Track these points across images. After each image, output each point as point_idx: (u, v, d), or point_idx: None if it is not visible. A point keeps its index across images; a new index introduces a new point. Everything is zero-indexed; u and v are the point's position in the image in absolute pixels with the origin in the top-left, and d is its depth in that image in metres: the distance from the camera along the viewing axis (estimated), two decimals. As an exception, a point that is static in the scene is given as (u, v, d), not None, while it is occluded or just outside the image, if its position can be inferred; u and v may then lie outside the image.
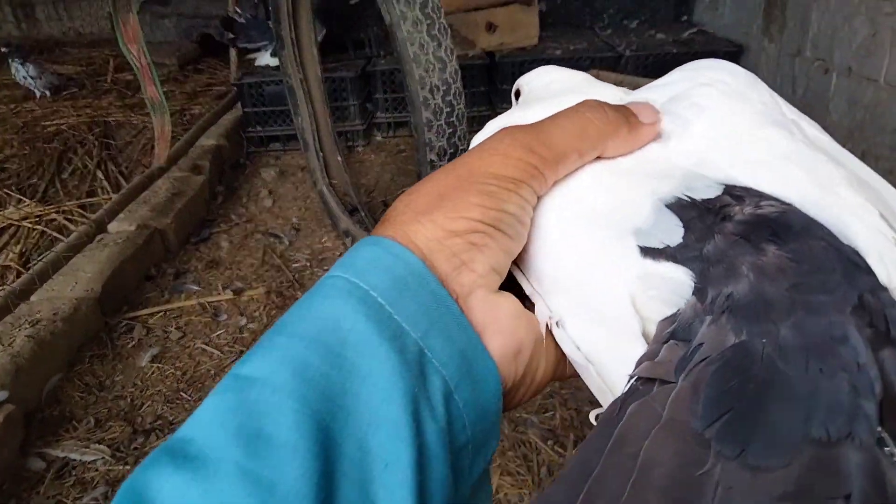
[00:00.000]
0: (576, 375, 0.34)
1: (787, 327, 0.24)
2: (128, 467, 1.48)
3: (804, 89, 2.87)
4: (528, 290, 0.35)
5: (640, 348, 0.28)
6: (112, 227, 2.21)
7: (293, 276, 2.19)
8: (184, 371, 1.79)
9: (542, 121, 0.35)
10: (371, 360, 0.27)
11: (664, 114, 0.37)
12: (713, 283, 0.27)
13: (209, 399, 0.26)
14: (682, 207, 0.30)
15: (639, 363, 0.27)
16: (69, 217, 2.41)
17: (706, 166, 0.33)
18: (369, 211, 2.47)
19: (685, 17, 3.99)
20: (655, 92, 0.40)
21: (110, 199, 2.23)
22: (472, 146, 0.37)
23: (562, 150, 0.34)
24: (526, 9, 3.38)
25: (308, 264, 2.27)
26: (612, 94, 0.44)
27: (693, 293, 0.27)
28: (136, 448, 1.54)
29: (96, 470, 1.48)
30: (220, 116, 3.16)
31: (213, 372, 1.77)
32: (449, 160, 1.70)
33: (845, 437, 0.21)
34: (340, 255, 2.31)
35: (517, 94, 0.55)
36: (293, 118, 2.44)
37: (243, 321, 1.96)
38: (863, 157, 2.47)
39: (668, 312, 0.28)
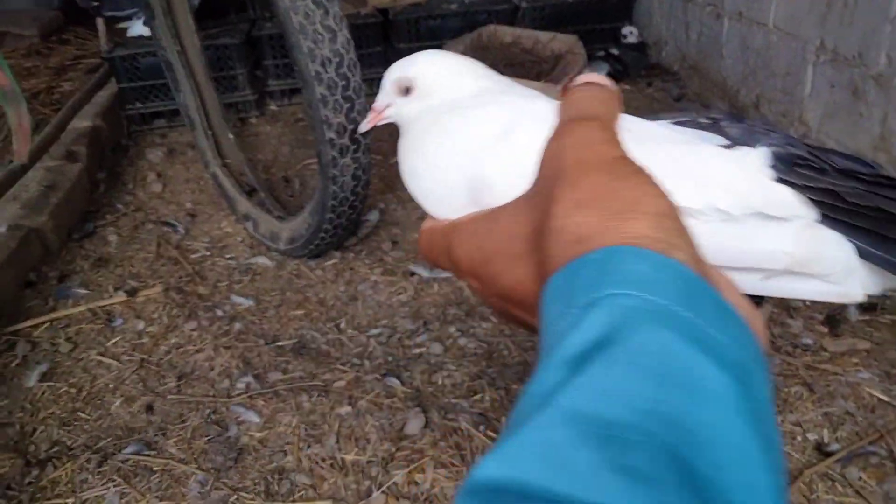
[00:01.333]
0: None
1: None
2: (23, 506, 1.34)
3: (698, 34, 2.90)
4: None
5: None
6: (-23, 231, 1.97)
7: (193, 268, 2.04)
8: (79, 388, 1.63)
9: (586, 108, 0.41)
10: (705, 380, 0.26)
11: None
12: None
13: (523, 436, 0.25)
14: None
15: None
16: (-76, 223, 2.13)
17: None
18: (269, 189, 2.33)
19: None
20: (514, 97, 0.51)
21: (-29, 200, 1.98)
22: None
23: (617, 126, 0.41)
24: (417, -39, 3.23)
25: (208, 254, 2.12)
26: (532, 95, 0.51)
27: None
28: (30, 483, 1.39)
29: (-14, 513, 1.33)
30: (93, 94, 2.87)
31: (112, 385, 1.63)
32: (349, 137, 1.59)
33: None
34: (242, 240, 2.15)
35: (403, 88, 0.52)
36: (175, 95, 2.24)
37: (141, 325, 1.81)
38: (757, 101, 2.54)
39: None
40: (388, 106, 0.54)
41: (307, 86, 1.48)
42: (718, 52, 2.75)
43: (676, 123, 0.49)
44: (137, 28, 2.88)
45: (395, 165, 2.53)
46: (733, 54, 2.67)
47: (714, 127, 0.47)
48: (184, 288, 1.95)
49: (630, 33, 3.16)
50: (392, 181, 2.41)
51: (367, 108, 1.58)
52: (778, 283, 0.40)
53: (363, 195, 1.74)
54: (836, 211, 0.40)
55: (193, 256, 2.11)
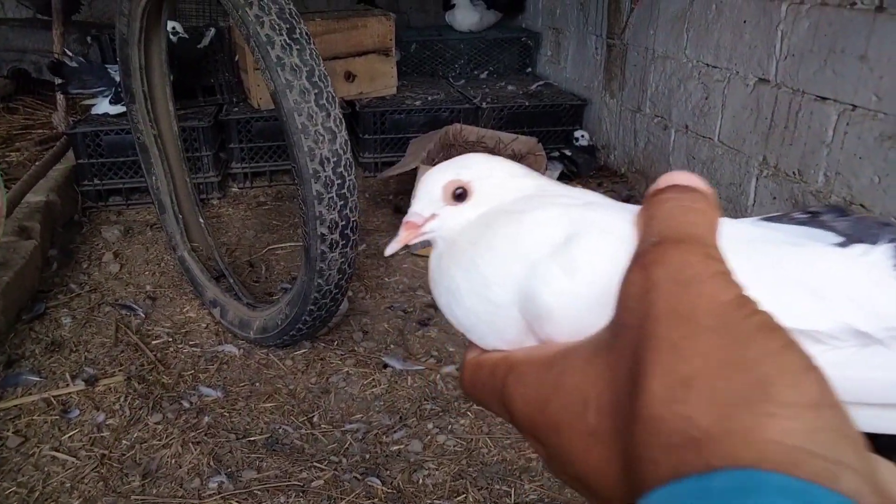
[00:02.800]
0: None
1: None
2: None
3: (646, 142, 3.12)
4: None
5: None
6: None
7: (155, 355, 1.97)
8: (30, 488, 1.52)
9: (679, 225, 0.30)
10: None
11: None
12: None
13: None
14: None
15: None
16: None
17: None
18: (234, 273, 2.30)
19: (529, 69, 4.21)
20: (569, 201, 0.43)
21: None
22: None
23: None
24: (384, 59, 3.38)
25: (171, 340, 2.05)
26: (562, 193, 0.44)
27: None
28: None
29: None
30: (49, 168, 2.80)
31: (69, 485, 1.52)
32: (340, 234, 1.62)
33: None
34: (207, 327, 2.09)
35: (455, 195, 0.43)
36: (147, 177, 2.21)
37: (101, 417, 1.72)
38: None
39: None
40: (432, 217, 0.44)
41: (304, 183, 1.51)
42: (665, 159, 2.96)
43: (766, 220, 0.40)
44: (103, 106, 2.86)
45: (363, 253, 2.56)
46: (679, 163, 2.87)
47: (815, 222, 0.38)
48: (146, 377, 1.87)
49: (581, 136, 3.36)
50: (360, 268, 2.42)
51: (358, 206, 1.62)
52: None
53: (345, 287, 1.75)
54: None
55: (155, 342, 2.04)
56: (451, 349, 2.02)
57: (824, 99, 2.03)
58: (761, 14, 2.24)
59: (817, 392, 0.23)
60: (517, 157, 2.87)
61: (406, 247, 0.48)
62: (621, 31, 3.15)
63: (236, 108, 3.14)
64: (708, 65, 2.57)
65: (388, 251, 0.45)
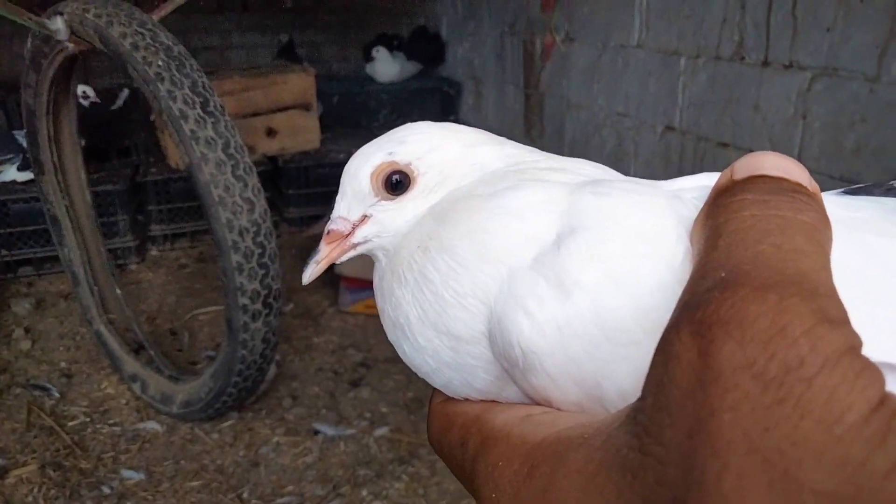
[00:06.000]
0: None
1: None
2: None
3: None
4: None
5: None
6: None
7: (72, 438, 1.86)
8: None
9: (771, 257, 0.18)
10: None
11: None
12: None
13: None
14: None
15: None
16: None
17: None
18: (156, 343, 2.21)
19: (452, 117, 4.30)
20: (559, 176, 0.29)
21: None
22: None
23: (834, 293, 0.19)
24: (305, 113, 3.38)
25: (88, 420, 1.95)
26: (559, 177, 0.29)
27: None
28: None
29: None
30: (-51, 242, 2.65)
31: (-25, 592, 1.41)
32: (263, 303, 1.59)
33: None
34: (128, 403, 2.00)
35: (391, 184, 0.30)
36: (58, 250, 2.12)
37: (11, 512, 1.61)
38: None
39: None
40: (362, 221, 0.31)
41: (223, 254, 1.49)
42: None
43: (858, 197, 0.28)
44: (10, 173, 2.74)
45: (290, 313, 2.52)
46: (599, 206, 2.97)
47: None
48: (62, 463, 1.77)
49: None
50: (288, 330, 2.38)
51: (279, 274, 1.60)
52: None
53: (271, 357, 1.72)
54: None
55: (72, 424, 1.93)
56: (384, 410, 2.00)
57: (725, 145, 2.15)
58: (663, 67, 2.37)
59: None
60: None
61: (331, 268, 0.34)
62: (536, 83, 3.27)
63: (153, 169, 3.07)
64: (619, 114, 2.69)
65: (307, 278, 0.32)
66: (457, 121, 4.28)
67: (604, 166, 0.30)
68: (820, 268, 0.18)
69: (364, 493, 1.69)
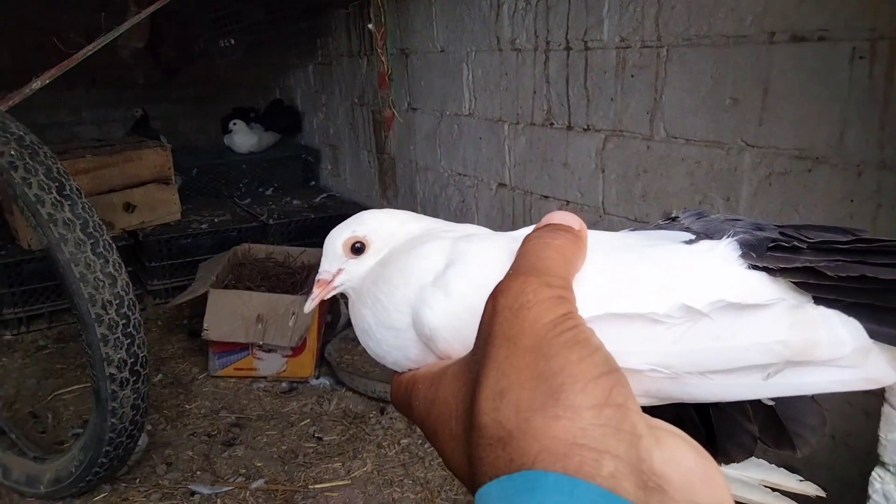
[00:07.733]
0: None
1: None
2: None
3: (422, 241, 3.48)
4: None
5: None
6: None
7: (-73, 534, 1.80)
8: None
9: (532, 260, 0.35)
10: None
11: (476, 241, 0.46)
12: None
13: None
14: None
15: None
16: None
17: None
18: (18, 427, 2.18)
19: (313, 182, 4.49)
20: (450, 234, 0.48)
21: None
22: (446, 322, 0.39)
23: (570, 277, 0.35)
24: (165, 187, 3.45)
25: (-55, 514, 1.90)
26: (447, 232, 0.49)
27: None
28: None
29: None
30: None
31: None
32: (130, 371, 1.68)
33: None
34: (-11, 490, 1.95)
35: (354, 248, 0.48)
36: None
37: None
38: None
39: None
40: (339, 272, 0.49)
41: (87, 327, 1.57)
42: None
43: (634, 231, 0.46)
44: None
45: (159, 383, 2.55)
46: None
47: (676, 225, 0.45)
48: (-82, 560, 1.72)
49: (367, 241, 3.65)
50: (158, 400, 2.42)
51: (145, 342, 1.70)
52: (785, 380, 0.36)
53: (141, 423, 1.79)
54: (822, 290, 0.37)
55: (-75, 520, 1.87)
56: (258, 464, 2.10)
57: (547, 197, 2.50)
58: (491, 132, 2.72)
59: (603, 395, 0.28)
60: (308, 269, 3.07)
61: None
62: (384, 149, 3.55)
63: (3, 251, 3.00)
64: (460, 174, 3.01)
65: (308, 308, 0.52)
66: (317, 185, 4.49)
67: (480, 227, 0.49)
68: (556, 265, 0.34)
69: (242, 543, 1.78)
